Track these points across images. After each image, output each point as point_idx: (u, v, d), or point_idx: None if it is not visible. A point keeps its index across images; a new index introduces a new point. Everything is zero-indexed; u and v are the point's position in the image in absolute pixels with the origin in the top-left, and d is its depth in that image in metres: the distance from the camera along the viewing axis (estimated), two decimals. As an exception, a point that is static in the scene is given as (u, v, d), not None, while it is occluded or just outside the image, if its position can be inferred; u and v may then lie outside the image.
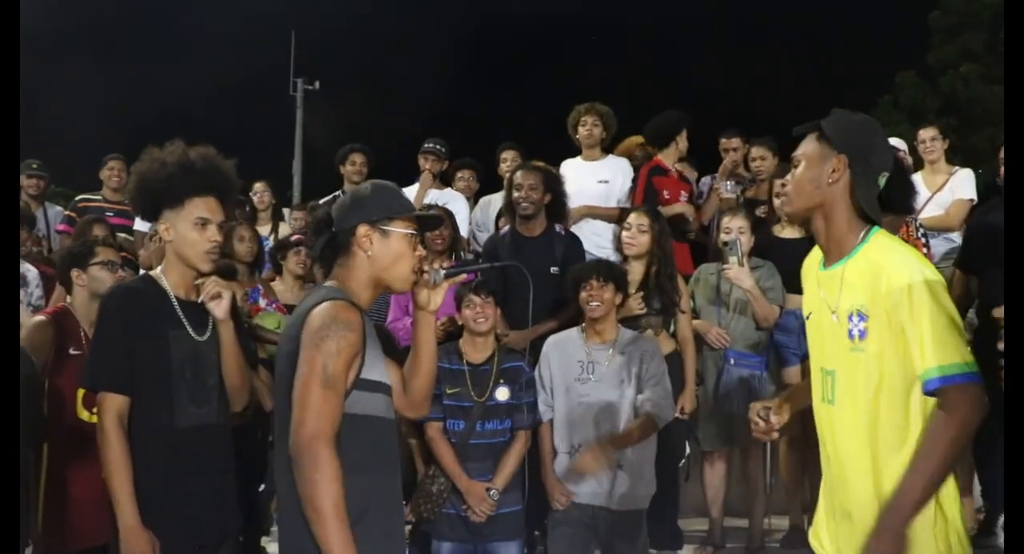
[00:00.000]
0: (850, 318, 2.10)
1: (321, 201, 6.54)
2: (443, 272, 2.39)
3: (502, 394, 3.65)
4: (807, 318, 2.31)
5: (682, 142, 5.65)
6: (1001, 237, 4.17)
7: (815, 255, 2.32)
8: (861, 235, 2.17)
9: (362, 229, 2.25)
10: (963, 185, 5.62)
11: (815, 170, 2.17)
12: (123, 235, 6.03)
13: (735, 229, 4.44)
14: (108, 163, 6.58)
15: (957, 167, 5.84)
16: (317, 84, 24.69)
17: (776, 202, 4.69)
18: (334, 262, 2.31)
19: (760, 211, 5.26)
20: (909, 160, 5.77)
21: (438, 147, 6.05)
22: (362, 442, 2.15)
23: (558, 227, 4.64)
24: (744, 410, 4.33)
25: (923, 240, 4.23)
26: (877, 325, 2.05)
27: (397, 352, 3.96)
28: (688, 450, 4.64)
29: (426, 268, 2.36)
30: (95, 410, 3.12)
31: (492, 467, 3.62)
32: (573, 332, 3.86)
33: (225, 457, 2.74)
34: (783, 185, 2.25)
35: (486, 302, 3.68)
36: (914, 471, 1.98)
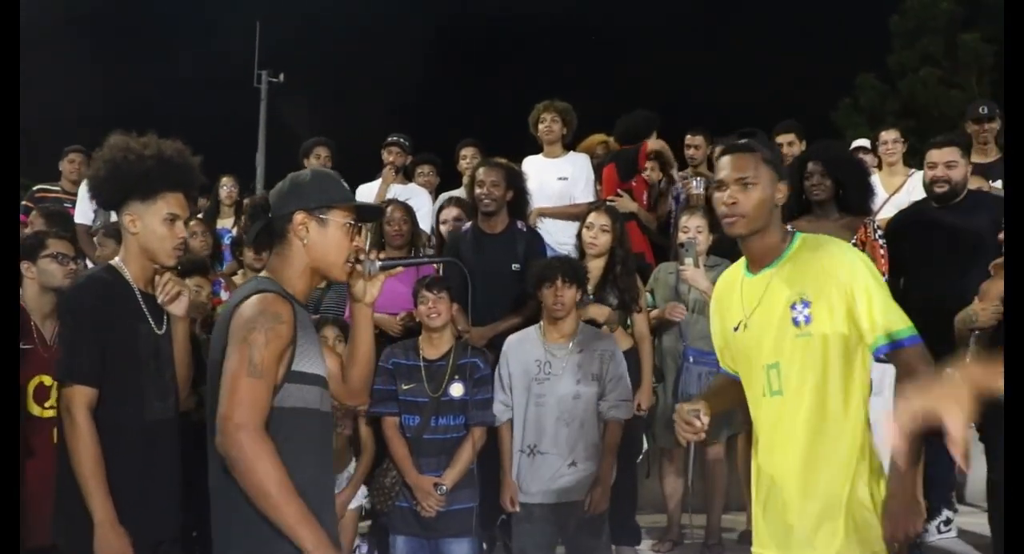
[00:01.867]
0: (793, 307, 2.26)
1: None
2: (379, 263, 2.35)
3: (456, 390, 3.66)
4: (735, 330, 2.41)
5: (651, 143, 5.75)
6: (916, 239, 4.35)
7: (733, 272, 2.50)
8: (788, 241, 2.35)
9: (299, 216, 2.20)
10: (920, 187, 5.71)
11: (768, 193, 2.32)
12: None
13: (693, 228, 4.47)
14: (68, 155, 6.49)
15: (914, 169, 5.93)
16: (282, 77, 24.43)
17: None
18: (270, 249, 2.26)
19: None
20: (873, 160, 5.89)
21: (401, 140, 6.05)
22: (295, 435, 2.10)
23: (519, 224, 4.65)
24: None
25: (880, 241, 4.29)
26: (821, 309, 2.22)
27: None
28: (646, 446, 4.68)
29: (361, 258, 2.31)
30: (47, 404, 3.11)
31: (446, 463, 3.63)
32: (531, 331, 3.87)
33: (179, 450, 2.73)
34: (733, 203, 2.30)
35: (439, 298, 3.68)
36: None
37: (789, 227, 2.41)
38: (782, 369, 2.28)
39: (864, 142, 6.64)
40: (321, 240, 2.21)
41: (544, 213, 5.37)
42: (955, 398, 1.52)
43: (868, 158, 6.01)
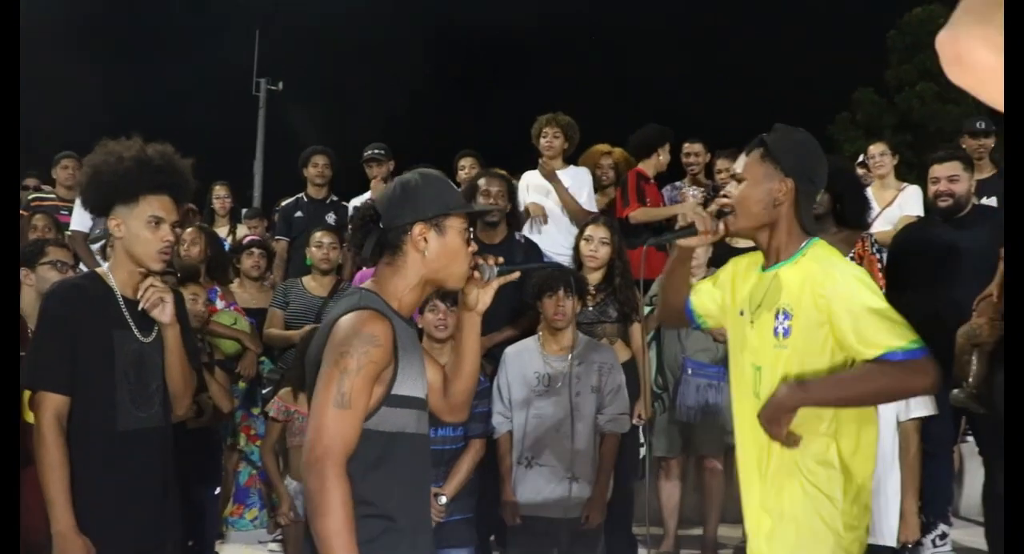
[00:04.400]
0: (776, 316, 2.21)
1: (284, 203, 6.51)
2: (496, 269, 2.24)
3: None
4: (740, 314, 2.36)
5: (663, 155, 5.79)
6: (920, 254, 4.37)
7: (754, 257, 2.41)
8: (801, 245, 2.26)
9: (418, 228, 2.09)
10: (911, 201, 5.72)
11: (762, 190, 2.25)
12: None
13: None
14: (62, 161, 6.48)
15: (906, 184, 5.95)
16: (280, 85, 24.42)
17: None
18: (380, 260, 2.14)
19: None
20: (867, 175, 5.90)
21: (379, 152, 6.06)
22: (385, 460, 2.03)
23: (517, 235, 4.66)
24: (701, 419, 4.43)
25: (877, 255, 4.29)
26: (801, 324, 2.16)
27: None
28: (643, 455, 4.68)
29: (480, 263, 2.21)
30: (38, 411, 3.09)
31: (445, 474, 3.62)
32: (530, 342, 3.85)
33: (166, 461, 2.67)
34: (725, 196, 2.31)
35: (451, 310, 3.67)
36: (840, 378, 2.10)
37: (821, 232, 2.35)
38: (763, 375, 2.24)
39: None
40: (442, 250, 2.10)
41: (541, 212, 5.34)
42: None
43: (862, 172, 6.03)
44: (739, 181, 2.29)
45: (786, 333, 2.17)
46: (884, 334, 2.04)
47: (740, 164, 2.31)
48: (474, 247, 2.20)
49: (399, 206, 2.12)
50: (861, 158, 6.54)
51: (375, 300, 2.07)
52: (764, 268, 2.32)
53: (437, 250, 2.10)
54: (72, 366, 2.48)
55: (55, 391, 2.47)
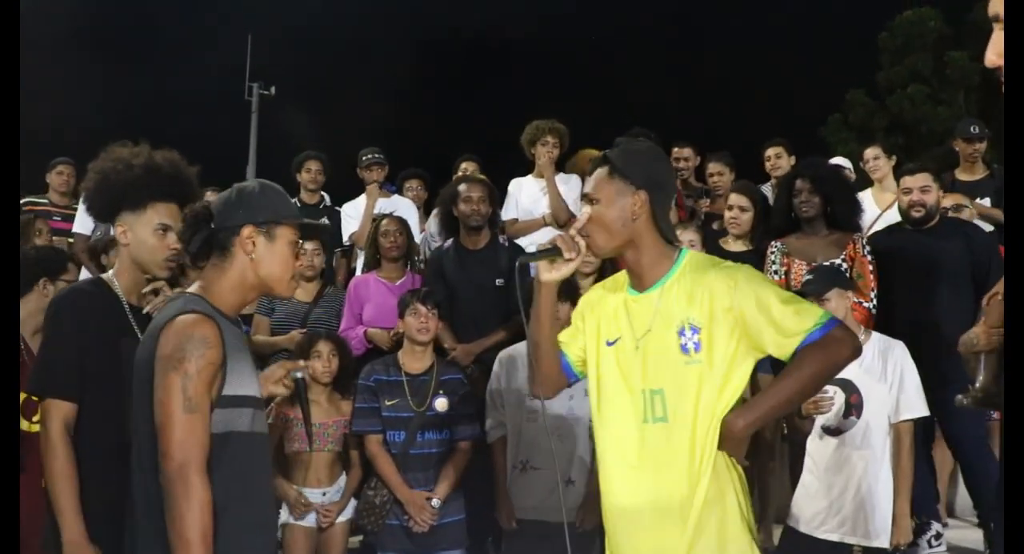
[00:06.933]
0: (681, 333, 2.15)
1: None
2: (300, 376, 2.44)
3: (441, 404, 3.66)
4: (612, 343, 2.28)
5: None
6: (900, 259, 4.42)
7: (617, 281, 2.36)
8: (674, 258, 2.24)
9: (247, 230, 2.16)
10: None
11: (616, 208, 2.20)
12: (70, 240, 5.95)
13: (685, 242, 4.48)
14: (57, 167, 6.47)
15: (906, 185, 5.96)
16: (273, 90, 24.39)
17: (729, 215, 4.78)
18: (208, 261, 2.20)
19: (716, 225, 5.36)
20: (853, 176, 5.92)
21: (377, 156, 6.06)
22: (222, 461, 2.02)
23: (501, 238, 4.67)
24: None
25: (869, 257, 4.32)
26: (711, 335, 2.12)
27: (351, 360, 3.95)
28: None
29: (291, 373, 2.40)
30: (35, 419, 3.05)
31: (433, 477, 3.63)
32: (523, 346, 3.85)
33: None
34: (589, 220, 2.21)
35: (431, 313, 3.68)
36: (780, 383, 2.10)
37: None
38: (667, 396, 2.15)
39: (841, 160, 6.61)
40: (268, 255, 2.18)
41: (516, 230, 5.35)
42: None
43: (847, 175, 6.03)
44: (592, 202, 2.22)
45: (697, 347, 2.12)
46: (797, 320, 2.07)
47: (589, 185, 2.25)
48: (303, 262, 2.24)
49: (233, 208, 2.18)
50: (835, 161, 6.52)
51: (200, 303, 2.11)
52: (640, 289, 2.25)
53: (264, 255, 2.17)
54: (81, 373, 2.47)
55: (64, 398, 2.46)
